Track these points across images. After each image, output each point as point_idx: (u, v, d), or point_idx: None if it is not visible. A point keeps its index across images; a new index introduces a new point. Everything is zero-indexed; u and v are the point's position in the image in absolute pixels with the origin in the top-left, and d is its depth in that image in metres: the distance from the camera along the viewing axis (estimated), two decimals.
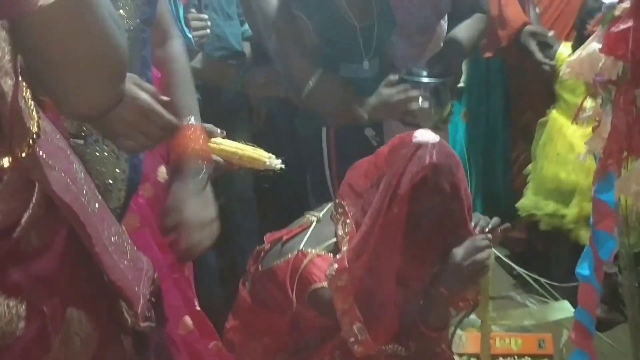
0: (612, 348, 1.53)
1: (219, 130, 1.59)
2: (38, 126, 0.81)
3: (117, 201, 1.18)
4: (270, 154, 1.57)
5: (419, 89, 1.78)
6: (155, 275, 1.05)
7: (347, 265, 1.47)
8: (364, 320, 1.49)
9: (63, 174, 0.85)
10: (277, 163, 1.54)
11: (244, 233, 2.26)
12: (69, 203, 0.82)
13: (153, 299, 1.02)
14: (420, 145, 1.49)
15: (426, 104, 1.75)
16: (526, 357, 2.01)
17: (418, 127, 1.65)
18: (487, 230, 1.53)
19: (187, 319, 1.28)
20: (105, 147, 1.16)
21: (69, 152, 0.92)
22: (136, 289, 0.98)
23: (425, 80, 1.79)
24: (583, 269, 1.20)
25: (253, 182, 2.29)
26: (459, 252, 1.47)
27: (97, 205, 0.94)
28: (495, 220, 1.56)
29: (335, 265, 1.49)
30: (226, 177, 2.20)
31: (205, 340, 1.39)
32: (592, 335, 1.21)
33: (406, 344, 1.56)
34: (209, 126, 1.52)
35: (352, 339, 1.50)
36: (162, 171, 1.38)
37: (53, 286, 0.82)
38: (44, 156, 0.82)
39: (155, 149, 1.29)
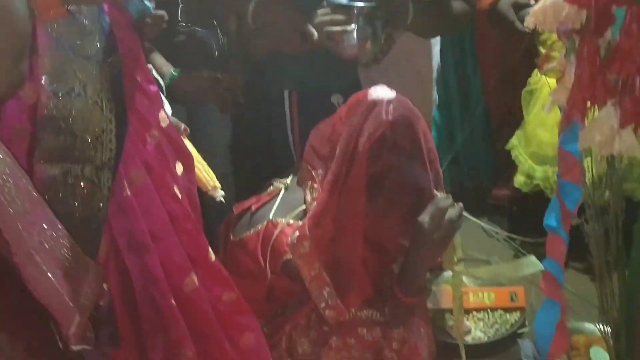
0: (578, 299, 1.55)
1: (182, 127, 1.58)
2: None
3: (109, 152, 1.15)
4: (216, 184, 1.63)
5: (346, 13, 1.59)
6: (105, 287, 0.98)
7: (307, 233, 1.46)
8: (334, 284, 1.49)
9: None
10: (219, 195, 1.54)
11: (222, 208, 2.24)
12: None
13: (95, 314, 0.94)
14: (376, 103, 1.45)
15: (349, 28, 1.58)
16: (499, 311, 2.06)
17: (350, 58, 1.61)
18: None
19: (193, 275, 1.25)
20: (89, 99, 1.13)
21: None
22: (71, 304, 0.89)
23: (347, 2, 1.59)
24: (551, 220, 1.21)
25: (230, 156, 2.26)
26: (425, 219, 1.46)
27: (26, 204, 0.86)
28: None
29: (297, 233, 1.48)
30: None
31: (218, 291, 1.35)
32: (562, 285, 1.22)
33: (382, 309, 1.56)
34: (174, 120, 1.51)
35: (322, 304, 1.51)
36: (163, 116, 1.34)
37: None
38: None
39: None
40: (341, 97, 1.90)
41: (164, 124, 1.33)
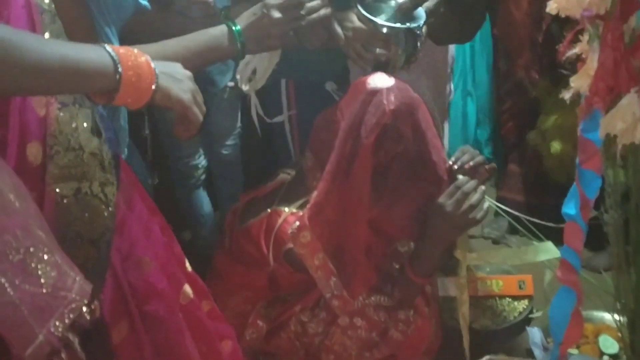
0: (594, 287, 1.55)
1: None
2: None
3: (109, 165, 1.12)
4: None
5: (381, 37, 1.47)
6: (92, 306, 0.91)
7: (307, 223, 1.45)
8: (339, 274, 1.48)
9: None
10: None
11: (231, 196, 2.24)
12: None
13: (72, 338, 0.88)
14: (375, 92, 1.41)
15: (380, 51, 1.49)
16: (507, 298, 2.05)
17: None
18: (467, 167, 1.50)
19: (187, 288, 1.23)
20: (87, 108, 1.09)
21: None
22: (31, 322, 0.82)
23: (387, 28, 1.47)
24: (569, 208, 1.21)
25: (240, 142, 2.24)
26: (447, 202, 1.45)
27: None
28: (480, 157, 1.53)
29: (297, 223, 1.47)
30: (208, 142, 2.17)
31: (202, 303, 1.34)
32: (578, 273, 1.22)
33: (390, 293, 1.56)
34: None
35: (329, 294, 1.50)
36: None
37: None
38: None
39: None
40: (334, 84, 1.89)
41: None
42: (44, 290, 0.85)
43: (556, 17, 1.14)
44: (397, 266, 1.61)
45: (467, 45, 2.66)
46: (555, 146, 2.27)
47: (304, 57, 1.78)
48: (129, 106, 1.01)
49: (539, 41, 2.08)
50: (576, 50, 1.13)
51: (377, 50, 1.47)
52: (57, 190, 1.01)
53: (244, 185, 2.26)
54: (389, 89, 1.40)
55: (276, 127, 1.99)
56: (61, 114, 1.03)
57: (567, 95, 1.14)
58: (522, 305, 2.02)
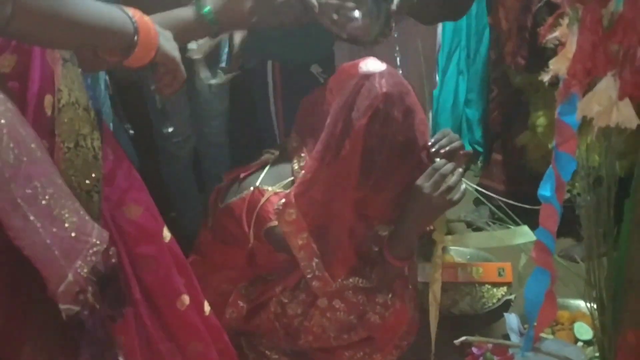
0: (571, 275, 1.58)
1: None
2: None
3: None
4: None
5: None
6: (110, 252, 0.98)
7: (293, 200, 1.46)
8: (321, 255, 1.49)
9: None
10: None
11: (217, 177, 2.24)
12: None
13: (94, 279, 0.93)
14: (367, 76, 1.43)
15: (356, 14, 1.55)
16: (487, 285, 2.08)
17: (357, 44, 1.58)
18: (443, 151, 1.52)
19: (165, 230, 1.27)
20: (82, 109, 1.12)
21: None
22: (62, 262, 0.88)
23: None
24: (545, 190, 1.22)
25: (225, 126, 2.25)
26: (425, 183, 1.46)
27: (23, 157, 0.86)
28: (457, 143, 1.55)
29: (283, 200, 1.48)
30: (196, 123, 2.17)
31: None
32: (553, 254, 1.24)
33: (368, 275, 1.58)
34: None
35: (310, 275, 1.52)
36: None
37: None
38: None
39: None
40: (319, 67, 1.90)
41: None
42: (69, 234, 0.90)
43: (546, 2, 1.15)
44: (376, 249, 1.62)
45: (463, 22, 2.65)
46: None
47: (290, 39, 1.80)
48: (132, 64, 1.07)
49: (527, 26, 2.08)
50: (556, 33, 1.15)
51: (351, 14, 1.51)
52: (64, 141, 1.05)
53: (230, 167, 2.26)
54: (381, 73, 1.43)
55: (262, 108, 2.00)
56: (64, 70, 1.07)
57: (545, 77, 1.15)
58: (500, 292, 2.05)
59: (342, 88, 1.47)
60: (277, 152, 1.69)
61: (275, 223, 1.49)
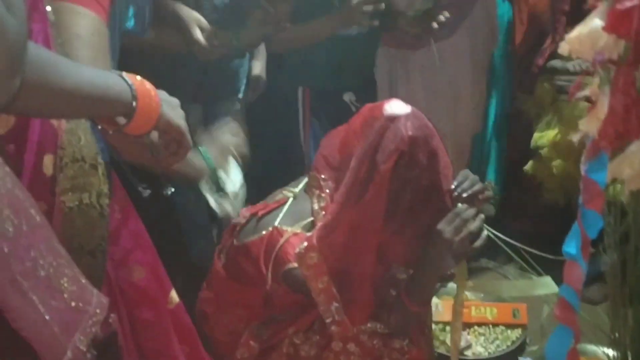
0: (590, 325, 1.55)
1: None
2: None
3: (104, 177, 1.13)
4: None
5: None
6: (110, 319, 0.96)
7: (315, 243, 1.44)
8: (341, 300, 1.47)
9: None
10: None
11: None
12: None
13: (94, 352, 0.90)
14: (392, 118, 1.42)
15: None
16: (501, 326, 2.05)
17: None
18: (465, 195, 1.50)
19: (173, 293, 1.25)
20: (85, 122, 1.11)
21: None
22: (62, 338, 0.84)
23: None
24: (570, 247, 1.20)
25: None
26: (446, 228, 1.44)
27: (23, 227, 0.81)
28: (478, 186, 1.53)
29: (305, 243, 1.46)
30: None
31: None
32: (577, 313, 1.21)
33: (386, 320, 1.55)
34: None
35: (329, 319, 1.49)
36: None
37: None
38: None
39: None
40: (353, 95, 1.89)
41: None
42: (69, 305, 0.87)
43: None
44: (393, 293, 1.60)
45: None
46: (557, 166, 2.27)
47: (326, 66, 1.81)
48: (133, 132, 1.01)
49: None
50: (586, 92, 1.13)
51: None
52: (65, 201, 1.02)
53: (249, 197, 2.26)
54: (406, 116, 1.42)
55: (290, 136, 1.99)
56: (68, 125, 1.05)
57: (575, 137, 1.13)
58: (515, 334, 2.02)
59: (366, 130, 1.47)
60: (295, 191, 1.67)
61: (294, 265, 1.48)
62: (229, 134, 1.60)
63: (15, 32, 0.67)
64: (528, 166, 2.41)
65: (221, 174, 1.60)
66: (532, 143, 2.36)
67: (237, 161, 1.63)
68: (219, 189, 1.63)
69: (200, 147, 1.55)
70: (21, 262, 0.80)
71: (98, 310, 0.90)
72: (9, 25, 0.66)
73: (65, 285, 0.87)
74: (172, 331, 1.22)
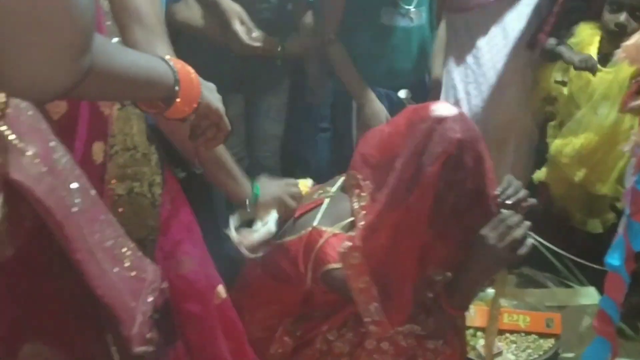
0: (629, 338, 1.53)
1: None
2: (6, 97, 0.70)
3: (156, 166, 1.14)
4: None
5: None
6: (163, 286, 0.98)
7: (359, 244, 1.45)
8: (381, 301, 1.47)
9: (37, 160, 0.75)
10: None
11: None
12: (40, 196, 0.72)
13: (157, 316, 0.94)
14: (440, 120, 1.41)
15: None
16: (533, 335, 2.03)
17: None
18: (508, 202, 1.49)
19: (220, 287, 1.25)
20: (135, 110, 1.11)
21: (50, 136, 0.81)
22: (132, 304, 0.88)
23: None
24: (614, 259, 1.19)
25: (278, 150, 2.26)
26: (490, 234, 1.43)
27: (86, 202, 0.84)
28: (522, 192, 1.51)
29: (348, 243, 1.47)
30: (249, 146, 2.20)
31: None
32: (616, 325, 1.21)
33: (423, 322, 1.55)
34: None
35: (368, 319, 1.49)
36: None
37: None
38: (12, 136, 0.71)
39: None
40: (409, 92, 1.91)
41: None
42: (129, 274, 0.90)
43: None
44: (430, 295, 1.59)
45: None
46: (580, 174, 2.20)
47: (382, 62, 1.83)
48: (173, 116, 1.01)
49: None
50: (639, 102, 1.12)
51: None
52: (114, 189, 1.04)
53: None
54: (454, 118, 1.41)
55: (343, 134, 2.02)
56: (121, 113, 1.06)
57: (626, 147, 1.13)
58: (548, 343, 2.00)
59: (411, 131, 1.46)
60: (332, 190, 1.68)
61: (333, 265, 1.48)
62: (286, 185, 1.61)
63: (86, 7, 0.66)
64: (540, 174, 2.31)
65: (259, 213, 1.61)
66: (549, 154, 2.27)
67: (279, 215, 1.62)
68: (248, 224, 1.63)
69: (255, 181, 1.57)
70: (91, 233, 0.84)
71: (154, 278, 0.94)
72: (80, 0, 0.65)
73: (127, 254, 0.91)
74: (218, 326, 1.23)
